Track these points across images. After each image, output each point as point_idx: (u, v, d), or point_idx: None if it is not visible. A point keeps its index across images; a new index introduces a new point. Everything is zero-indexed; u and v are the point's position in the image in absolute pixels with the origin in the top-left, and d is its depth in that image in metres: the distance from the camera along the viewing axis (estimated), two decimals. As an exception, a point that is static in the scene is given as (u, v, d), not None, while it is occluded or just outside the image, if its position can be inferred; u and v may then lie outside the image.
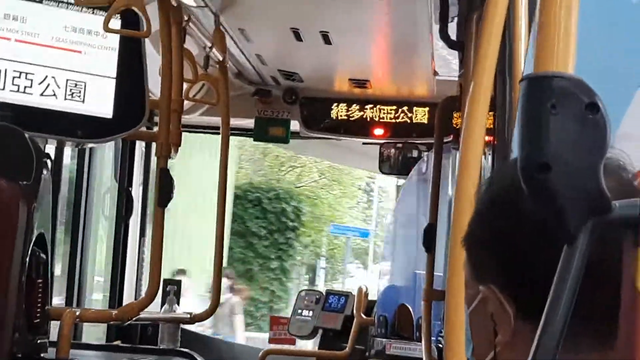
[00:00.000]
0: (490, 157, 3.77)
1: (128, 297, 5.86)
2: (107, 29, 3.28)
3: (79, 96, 3.54)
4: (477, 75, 1.56)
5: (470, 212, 1.49)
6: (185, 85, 4.12)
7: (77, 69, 3.55)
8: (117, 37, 3.55)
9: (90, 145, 4.67)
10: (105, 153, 6.13)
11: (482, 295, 1.04)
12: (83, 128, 3.52)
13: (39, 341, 3.17)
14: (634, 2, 1.80)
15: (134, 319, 3.57)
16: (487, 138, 4.10)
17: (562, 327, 0.88)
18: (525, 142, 0.89)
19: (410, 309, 5.65)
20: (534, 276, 0.98)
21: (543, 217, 0.92)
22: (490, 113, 2.80)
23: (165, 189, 3.57)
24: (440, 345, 4.57)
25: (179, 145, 3.67)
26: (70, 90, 3.54)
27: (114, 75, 3.55)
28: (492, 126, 3.24)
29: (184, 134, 3.80)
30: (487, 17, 1.53)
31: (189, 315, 4.42)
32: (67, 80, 3.54)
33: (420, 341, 4.62)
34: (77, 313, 3.41)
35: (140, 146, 6.15)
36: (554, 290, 0.89)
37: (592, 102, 0.88)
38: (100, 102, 3.54)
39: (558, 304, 0.89)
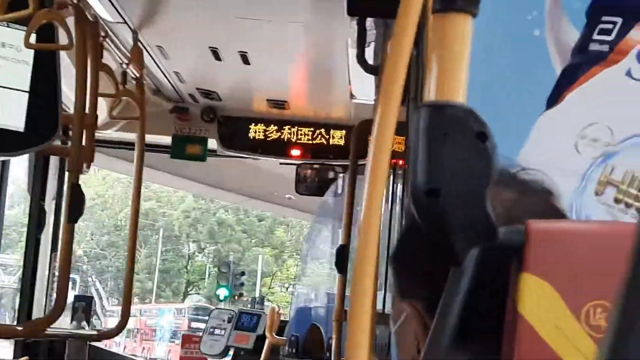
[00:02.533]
0: (401, 181, 3.83)
1: (38, 313, 5.77)
2: (27, 44, 3.23)
3: (-9, 108, 3.50)
4: (383, 98, 1.60)
5: (376, 232, 1.52)
6: (104, 102, 4.09)
7: (-10, 81, 3.51)
8: (31, 51, 3.51)
9: (1, 158, 4.60)
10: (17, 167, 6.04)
11: (406, 313, 1.06)
12: (-6, 140, 3.47)
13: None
14: (536, 34, 1.85)
15: (40, 335, 3.53)
16: (401, 162, 4.17)
17: (446, 349, 0.90)
18: (416, 167, 0.92)
19: (322, 330, 5.68)
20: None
21: (434, 241, 0.95)
22: (402, 138, 2.85)
23: (75, 204, 3.54)
24: (349, 366, 4.59)
25: (92, 161, 3.65)
26: (-18, 102, 3.49)
27: (27, 88, 3.52)
28: (403, 150, 3.29)
29: (98, 149, 3.78)
30: (394, 41, 1.56)
31: (96, 332, 4.37)
32: (-21, 91, 3.50)
33: (331, 362, 4.64)
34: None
35: (54, 160, 6.07)
36: (439, 311, 0.91)
37: (481, 131, 0.91)
38: (12, 116, 3.50)
39: (443, 326, 0.91)
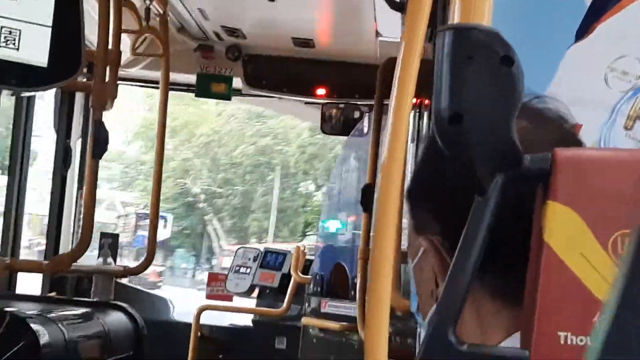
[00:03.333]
0: (426, 118, 3.80)
1: (64, 250, 5.82)
2: None
3: (14, 44, 3.48)
4: (407, 35, 1.56)
5: (399, 171, 1.50)
6: (127, 38, 4.07)
7: (12, 15, 3.48)
8: (54, -16, 3.48)
9: (26, 94, 4.60)
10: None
11: (423, 247, 1.04)
12: (17, 76, 3.46)
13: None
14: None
15: (66, 270, 3.54)
16: (427, 101, 4.12)
17: (468, 280, 0.88)
18: (439, 93, 0.89)
19: (347, 268, 5.69)
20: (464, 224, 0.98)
21: (458, 168, 0.92)
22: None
23: (99, 140, 3.54)
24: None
25: (115, 98, 3.63)
26: (5, 37, 3.47)
27: (50, 23, 3.49)
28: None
29: (121, 86, 3.76)
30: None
31: (122, 269, 4.39)
32: (2, 27, 3.47)
33: (355, 300, 4.65)
34: (7, 262, 3.38)
35: (80, 98, 6.07)
36: (462, 241, 0.89)
37: (506, 55, 0.88)
38: (35, 51, 3.47)
39: (467, 255, 0.89)
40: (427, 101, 4.12)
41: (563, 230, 0.88)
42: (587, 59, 1.80)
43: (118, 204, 30.80)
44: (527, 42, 1.71)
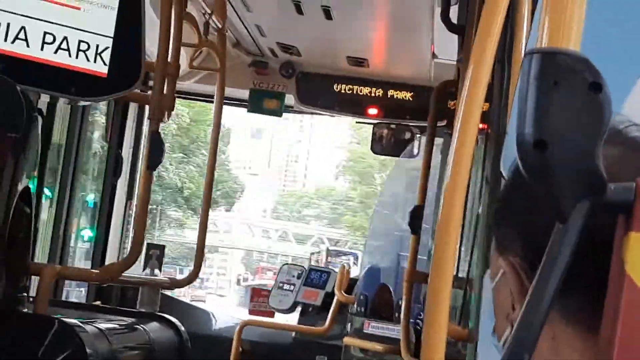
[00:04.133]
0: (483, 145, 3.77)
1: (111, 259, 5.85)
2: None
3: (75, 53, 3.51)
4: (475, 61, 1.54)
5: (462, 196, 1.49)
6: (184, 52, 4.09)
7: (75, 25, 3.52)
8: (116, -4, 3.51)
9: (83, 103, 4.64)
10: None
11: (503, 269, 1.03)
12: (77, 85, 3.49)
13: (18, 295, 3.15)
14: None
15: (114, 280, 3.56)
16: (480, 125, 4.10)
17: (546, 310, 0.87)
18: (523, 117, 0.88)
19: (391, 290, 5.66)
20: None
21: (539, 195, 0.91)
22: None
23: (155, 152, 3.55)
24: (418, 327, 4.58)
25: (172, 110, 3.65)
26: (67, 46, 3.50)
27: (112, 34, 3.52)
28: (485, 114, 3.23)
29: (177, 99, 3.78)
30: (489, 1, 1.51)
31: (169, 280, 4.41)
32: (64, 36, 3.51)
33: (399, 322, 4.62)
34: (58, 270, 3.40)
35: (133, 109, 6.12)
36: (542, 267, 0.88)
37: (595, 81, 0.87)
38: (95, 61, 3.51)
39: (544, 284, 0.88)
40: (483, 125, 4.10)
41: (647, 263, 0.86)
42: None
43: (325, 240, 31.23)
44: (604, 54, 1.68)
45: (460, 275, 3.88)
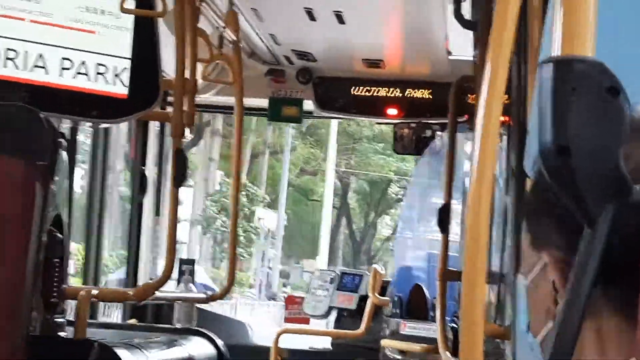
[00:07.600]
0: (505, 137, 3.78)
1: (143, 277, 5.88)
2: (123, 9, 3.29)
3: (94, 76, 3.55)
4: (493, 56, 1.55)
5: (488, 191, 1.49)
6: (199, 66, 4.12)
7: (92, 49, 3.55)
8: (130, 17, 3.54)
9: (104, 125, 4.68)
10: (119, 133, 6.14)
11: (543, 261, 1.01)
12: (98, 108, 3.53)
13: (56, 320, 3.19)
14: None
15: (151, 298, 3.59)
16: (502, 118, 4.10)
17: (580, 313, 0.88)
18: (544, 125, 0.89)
19: (425, 290, 5.66)
20: None
21: (564, 200, 0.91)
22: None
23: (180, 169, 3.58)
24: (454, 325, 4.58)
25: (192, 125, 3.68)
26: (85, 70, 3.54)
27: (128, 55, 3.55)
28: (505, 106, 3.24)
29: (197, 113, 3.80)
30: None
31: (204, 295, 4.43)
32: (82, 60, 3.55)
33: (435, 321, 4.63)
34: (94, 292, 3.43)
35: (154, 125, 6.16)
36: (574, 272, 0.89)
37: (612, 85, 0.88)
38: (114, 83, 3.54)
39: (578, 290, 0.89)
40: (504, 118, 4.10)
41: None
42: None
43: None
44: (624, 53, 1.69)
45: (493, 269, 3.88)
